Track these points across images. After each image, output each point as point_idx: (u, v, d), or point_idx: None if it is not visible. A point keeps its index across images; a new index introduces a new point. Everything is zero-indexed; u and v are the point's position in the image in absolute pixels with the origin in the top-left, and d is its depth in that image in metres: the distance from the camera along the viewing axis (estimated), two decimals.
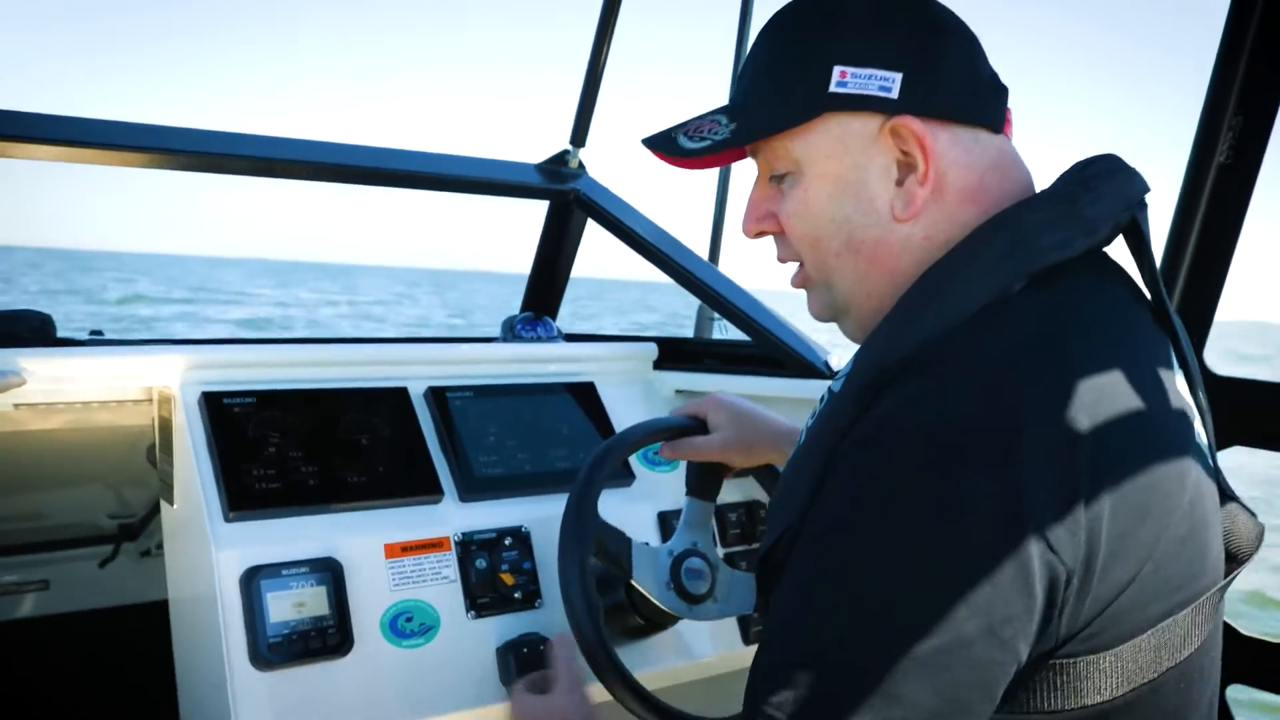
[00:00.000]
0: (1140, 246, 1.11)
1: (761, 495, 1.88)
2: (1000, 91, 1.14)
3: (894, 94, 1.08)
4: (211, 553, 1.47)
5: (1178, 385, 1.08)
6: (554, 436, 1.85)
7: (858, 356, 1.10)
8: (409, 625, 1.55)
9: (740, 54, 2.62)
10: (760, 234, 1.21)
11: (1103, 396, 0.97)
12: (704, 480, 1.66)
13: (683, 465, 1.91)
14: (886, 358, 1.01)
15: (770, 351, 2.03)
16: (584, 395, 1.95)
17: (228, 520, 1.51)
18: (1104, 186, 1.08)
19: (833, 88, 1.09)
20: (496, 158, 2.30)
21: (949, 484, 0.92)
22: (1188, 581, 1.02)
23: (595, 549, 1.50)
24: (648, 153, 1.24)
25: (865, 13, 1.10)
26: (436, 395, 1.78)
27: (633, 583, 1.55)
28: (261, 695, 1.43)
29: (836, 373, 1.89)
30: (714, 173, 2.70)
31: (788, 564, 1.02)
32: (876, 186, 1.10)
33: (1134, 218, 1.09)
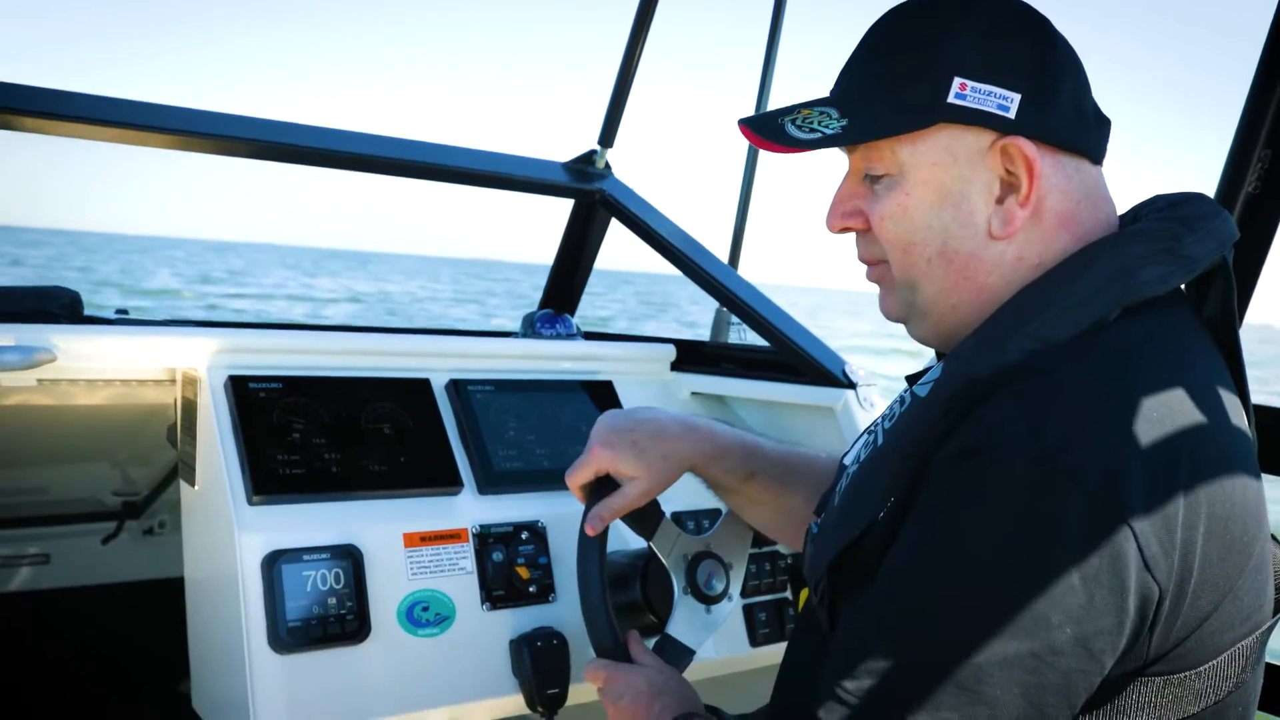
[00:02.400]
0: (1223, 285, 1.13)
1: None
2: (1104, 124, 1.15)
3: (1011, 114, 1.09)
4: (234, 535, 1.49)
5: (1244, 419, 1.11)
6: (572, 433, 1.87)
7: (946, 366, 1.11)
8: (425, 615, 1.56)
9: (771, 58, 2.63)
10: (844, 230, 1.21)
11: (1194, 427, 1.00)
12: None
13: None
14: (977, 371, 1.04)
15: (788, 357, 2.04)
16: (602, 394, 1.97)
17: (250, 503, 1.52)
18: (1204, 228, 1.10)
19: (951, 98, 1.10)
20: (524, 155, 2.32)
21: (1049, 501, 0.94)
22: (1254, 611, 1.05)
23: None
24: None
25: (989, 24, 1.11)
26: (458, 387, 1.79)
27: (651, 545, 1.55)
28: (279, 678, 1.44)
29: (855, 381, 1.93)
30: (737, 175, 2.71)
31: (881, 564, 1.04)
32: (977, 201, 1.12)
33: (1223, 257, 1.11)
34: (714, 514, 1.77)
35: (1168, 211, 1.14)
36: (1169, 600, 0.95)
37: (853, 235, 1.22)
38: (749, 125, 1.22)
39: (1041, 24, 1.13)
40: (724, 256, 2.50)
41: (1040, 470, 0.95)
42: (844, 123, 1.15)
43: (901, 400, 1.20)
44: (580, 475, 1.51)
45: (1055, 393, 0.99)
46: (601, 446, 1.48)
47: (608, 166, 2.43)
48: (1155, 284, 1.06)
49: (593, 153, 2.41)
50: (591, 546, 1.48)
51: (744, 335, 2.39)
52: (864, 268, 1.24)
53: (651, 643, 1.52)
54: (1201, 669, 1.00)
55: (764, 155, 2.71)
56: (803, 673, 1.28)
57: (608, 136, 2.43)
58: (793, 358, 2.03)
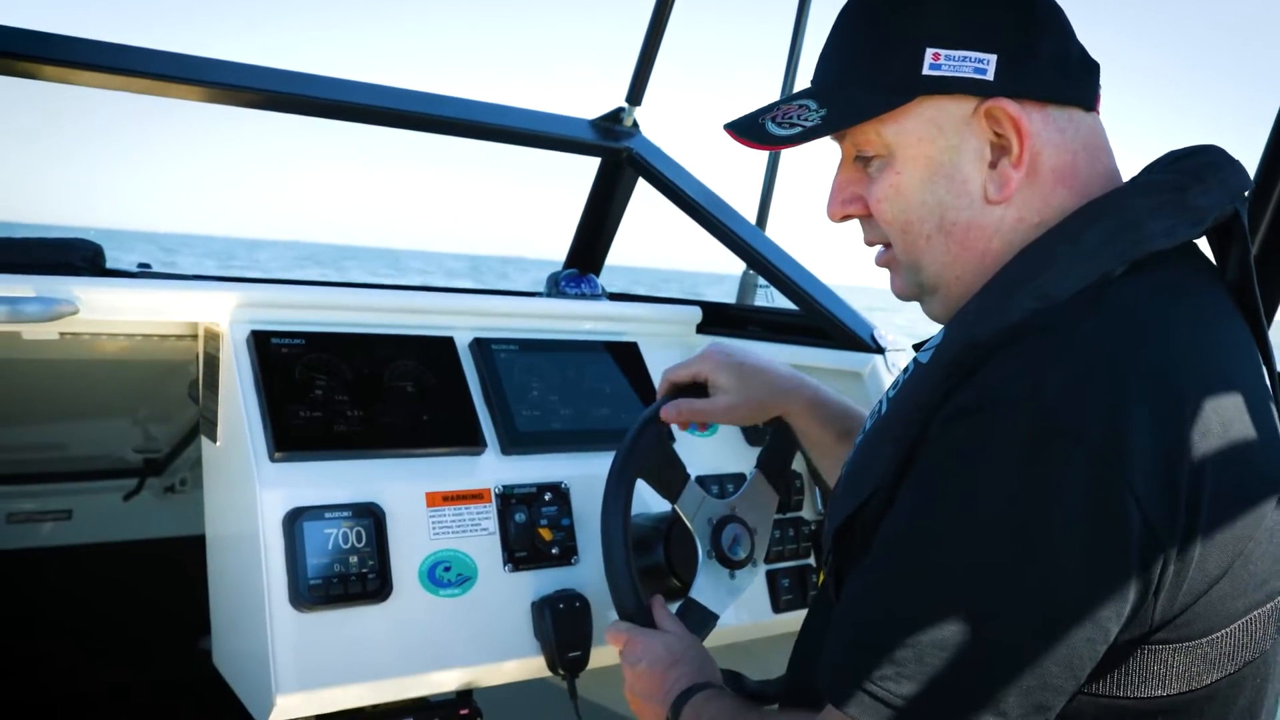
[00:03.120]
0: (1238, 239, 1.09)
1: (798, 464, 1.87)
2: (1092, 69, 1.12)
3: (989, 76, 1.07)
4: (255, 491, 1.47)
5: (1265, 380, 1.08)
6: (596, 395, 1.85)
7: (948, 330, 1.09)
8: (447, 575, 1.55)
9: (801, 19, 2.59)
10: (845, 217, 1.19)
11: (1203, 385, 0.97)
12: (774, 459, 1.64)
13: (723, 431, 1.91)
14: (979, 332, 1.01)
15: (816, 321, 2.02)
16: (627, 355, 1.94)
17: (273, 460, 1.51)
18: (1213, 177, 1.07)
19: (926, 70, 1.08)
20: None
21: (1049, 461, 0.92)
22: (1272, 577, 1.02)
23: (650, 461, 1.51)
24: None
25: None
26: (481, 346, 1.77)
27: (676, 508, 1.55)
28: (299, 635, 1.44)
29: (884, 346, 1.90)
30: None
31: (878, 530, 1.03)
32: (969, 169, 1.09)
33: (1235, 210, 1.07)
34: (739, 479, 1.75)
35: (1176, 164, 1.11)
36: (1174, 563, 0.93)
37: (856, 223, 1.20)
38: (733, 128, 1.20)
39: None
40: (752, 218, 2.47)
41: (1040, 428, 0.92)
42: (823, 112, 1.13)
43: (906, 370, 1.19)
44: (680, 372, 1.59)
45: (1056, 349, 0.97)
46: (710, 355, 1.57)
47: (636, 124, 2.39)
48: (1161, 237, 1.03)
49: (620, 110, 2.37)
50: (616, 508, 1.47)
51: (771, 298, 2.36)
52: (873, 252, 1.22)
53: (674, 606, 1.51)
54: (1212, 637, 0.98)
55: None
56: (816, 643, 1.27)
57: (636, 94, 2.39)
58: (820, 321, 2.00)
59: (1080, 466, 0.91)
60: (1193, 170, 1.08)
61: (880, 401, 1.22)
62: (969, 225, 1.11)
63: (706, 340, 2.10)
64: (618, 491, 1.48)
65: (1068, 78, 1.10)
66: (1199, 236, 1.07)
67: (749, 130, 1.19)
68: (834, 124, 1.13)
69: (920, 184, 1.11)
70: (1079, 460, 0.91)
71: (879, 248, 1.21)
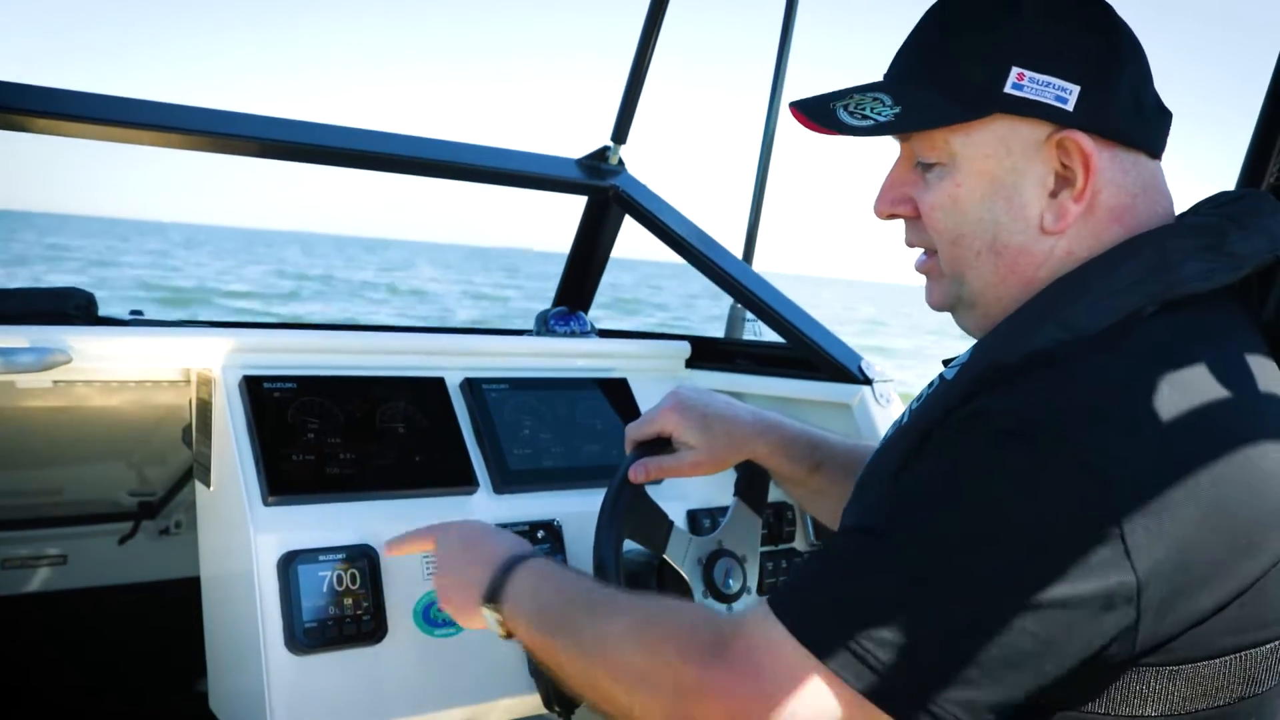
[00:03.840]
0: (1278, 285, 1.10)
1: (790, 498, 1.89)
2: (1165, 117, 1.13)
3: (1069, 106, 1.07)
4: (250, 535, 1.48)
5: None
6: (587, 431, 1.86)
7: (975, 350, 1.11)
8: (441, 615, 1.55)
9: (784, 52, 2.61)
10: (892, 216, 1.19)
11: (1217, 427, 0.97)
12: (752, 484, 1.66)
13: None
14: (1004, 356, 1.02)
15: (804, 354, 2.03)
16: (617, 391, 1.96)
17: (266, 504, 1.52)
18: (1255, 224, 1.08)
19: (1008, 89, 1.07)
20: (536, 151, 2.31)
21: (1039, 469, 0.93)
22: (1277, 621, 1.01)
23: (634, 523, 1.50)
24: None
25: (1048, 10, 1.08)
26: (472, 386, 1.79)
27: (665, 558, 1.55)
28: (296, 678, 1.44)
29: (871, 378, 1.92)
30: (751, 172, 2.70)
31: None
32: (1030, 194, 1.09)
33: (1276, 257, 1.08)
34: (721, 510, 1.75)
35: (1222, 208, 1.11)
36: (1151, 592, 0.92)
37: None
38: (801, 109, 1.19)
39: (1103, 10, 1.10)
40: (738, 252, 2.49)
41: (1038, 442, 0.93)
42: (897, 110, 1.12)
43: (932, 384, 1.19)
44: (644, 430, 1.54)
45: (1067, 379, 0.98)
46: (671, 410, 1.52)
47: (621, 163, 2.42)
48: (1197, 280, 1.03)
49: (606, 149, 2.40)
50: (612, 526, 1.48)
51: (759, 332, 2.38)
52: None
53: None
54: (1198, 664, 0.97)
55: (779, 146, 2.70)
56: None
57: (621, 132, 2.41)
58: (808, 354, 2.02)
59: (1068, 481, 0.92)
60: (1235, 215, 1.09)
61: (905, 411, 1.23)
62: (1020, 250, 1.11)
63: (696, 375, 2.12)
64: (617, 503, 1.49)
65: (1141, 121, 1.10)
66: (1236, 280, 1.07)
67: (818, 114, 1.17)
68: (907, 124, 1.12)
69: (979, 200, 1.11)
70: (1069, 475, 0.92)
71: (920, 255, 1.21)
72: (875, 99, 1.14)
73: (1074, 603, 0.91)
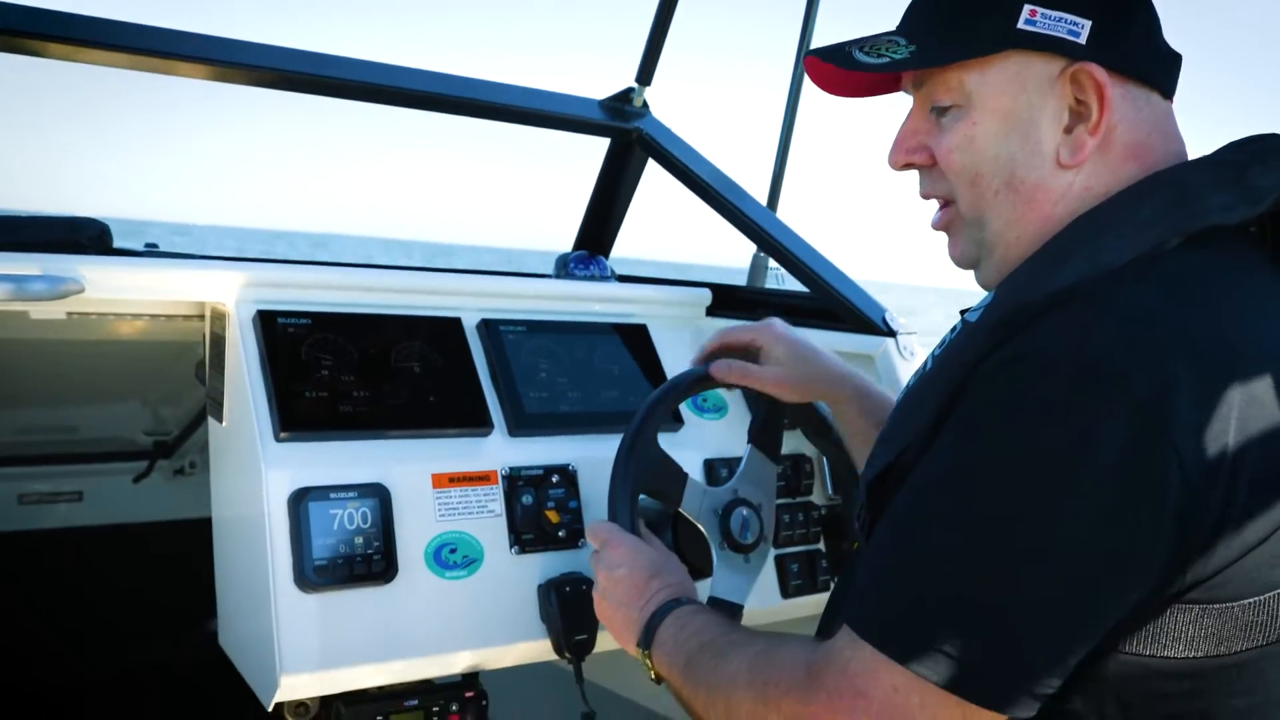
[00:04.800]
0: None
1: (808, 449, 1.86)
2: (1175, 60, 1.14)
3: (1082, 39, 1.08)
4: (261, 471, 1.46)
5: None
6: (605, 377, 1.83)
7: (998, 291, 1.10)
8: (453, 557, 1.54)
9: (811, 11, 2.56)
10: (908, 166, 1.20)
11: (1255, 355, 0.97)
12: (766, 430, 1.64)
13: (732, 413, 1.90)
14: (1030, 295, 1.01)
15: (827, 304, 2.00)
16: (636, 337, 1.93)
17: (278, 440, 1.50)
18: (1275, 160, 1.07)
19: (1021, 24, 1.09)
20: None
21: (1091, 409, 0.92)
22: None
23: (648, 478, 1.50)
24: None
25: None
26: (489, 327, 1.76)
27: (681, 511, 1.54)
28: (304, 616, 1.43)
29: (895, 329, 1.89)
30: (777, 117, 2.65)
31: (909, 477, 1.03)
32: (1046, 130, 1.10)
33: None
34: (739, 461, 1.72)
35: (1236, 146, 1.12)
36: (1210, 525, 0.92)
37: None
38: (817, 54, 1.21)
39: None
40: (763, 201, 2.45)
41: (1085, 376, 0.93)
42: (912, 49, 1.14)
43: (954, 329, 1.19)
44: (737, 335, 1.63)
45: (1107, 308, 0.97)
46: (768, 327, 1.61)
47: (645, 105, 2.37)
48: (1218, 212, 1.03)
49: (630, 90, 2.35)
50: (632, 463, 1.49)
51: (781, 281, 2.35)
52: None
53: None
54: (1244, 602, 0.96)
55: (806, 101, 2.66)
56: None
57: (646, 74, 2.37)
58: (832, 304, 1.99)
59: (1123, 417, 0.91)
60: (1254, 152, 1.09)
61: (926, 360, 1.23)
62: (1037, 185, 1.11)
63: (717, 323, 2.09)
64: (631, 457, 1.49)
65: (1154, 59, 1.11)
66: (1257, 215, 1.07)
67: (834, 55, 1.19)
68: (924, 60, 1.14)
69: (995, 137, 1.12)
70: (1122, 410, 0.91)
71: (936, 211, 1.21)
72: (891, 41, 1.16)
73: (1141, 542, 0.91)
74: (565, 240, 2.62)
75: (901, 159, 1.20)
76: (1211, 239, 1.03)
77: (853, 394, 1.57)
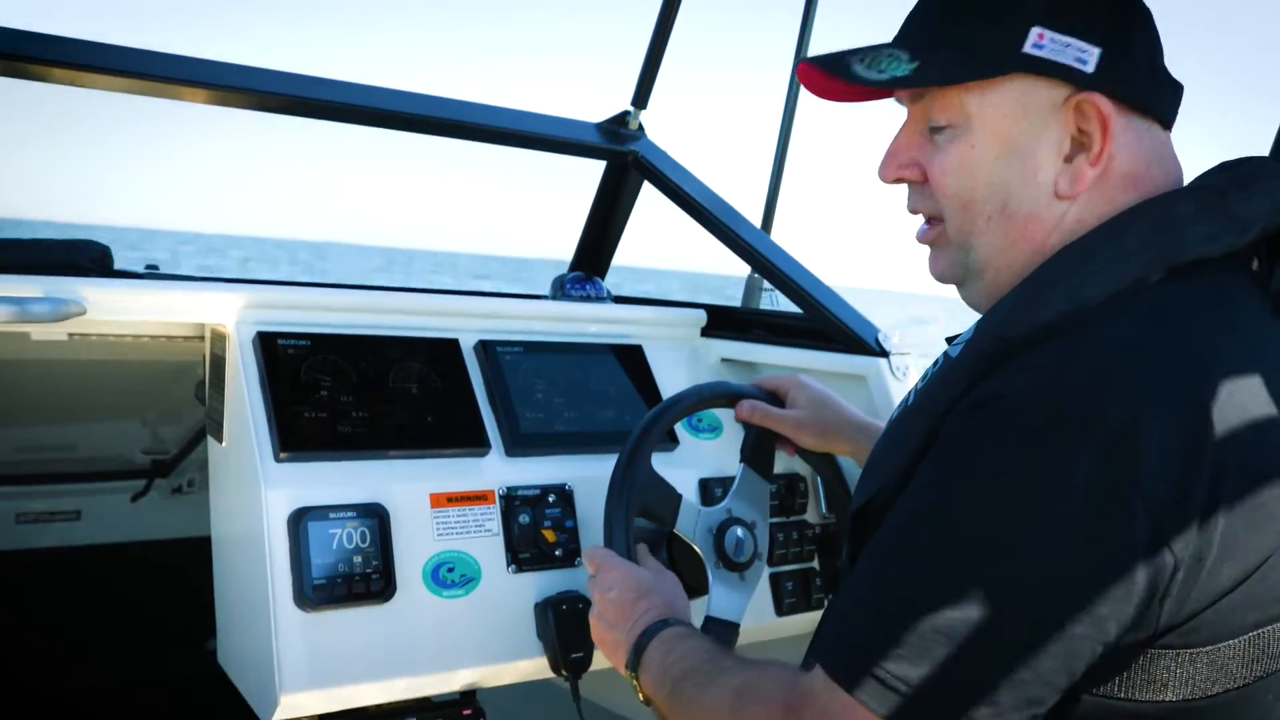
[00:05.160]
0: None
1: (802, 468, 1.88)
2: (1178, 89, 1.11)
3: (1089, 68, 1.05)
4: (261, 491, 1.48)
5: None
6: (601, 397, 1.85)
7: (979, 325, 1.09)
8: (450, 575, 1.55)
9: (810, 14, 2.59)
10: (899, 180, 1.17)
11: (1232, 395, 0.95)
12: (759, 449, 1.66)
13: (726, 433, 1.92)
14: (1010, 330, 1.01)
15: (821, 325, 2.02)
16: (631, 358, 1.95)
17: (278, 460, 1.52)
18: (1256, 186, 1.06)
19: (1027, 48, 1.06)
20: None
21: (1058, 450, 0.91)
22: None
23: (642, 499, 1.53)
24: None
25: None
26: (486, 348, 1.78)
27: (675, 531, 1.56)
28: (304, 635, 1.44)
29: (888, 349, 1.90)
30: (771, 143, 2.68)
31: (886, 516, 1.03)
32: (1044, 158, 1.08)
33: None
34: (729, 481, 1.74)
35: (1220, 171, 1.10)
36: (1183, 571, 0.91)
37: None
38: (816, 63, 1.17)
39: None
40: (757, 222, 2.47)
41: (1052, 416, 0.92)
42: (914, 65, 1.10)
43: (936, 362, 1.18)
44: (770, 380, 1.72)
45: (1081, 346, 0.96)
46: (796, 379, 1.70)
47: (641, 128, 2.40)
48: (1202, 243, 1.02)
49: (626, 114, 2.38)
50: (627, 485, 1.51)
51: (776, 301, 2.37)
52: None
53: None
54: (1218, 646, 0.96)
55: (802, 112, 2.68)
56: None
57: (641, 97, 2.39)
58: (825, 325, 2.00)
59: (1091, 459, 0.90)
60: (1236, 178, 1.07)
61: (910, 393, 1.21)
62: (1030, 216, 1.09)
63: (712, 343, 2.11)
64: (626, 479, 1.52)
65: (1157, 88, 1.09)
66: (1241, 246, 1.05)
67: (832, 66, 1.16)
68: (925, 78, 1.10)
69: (992, 162, 1.09)
70: (1091, 452, 0.90)
71: (921, 225, 1.18)
72: (892, 55, 1.12)
73: (1111, 583, 0.90)
74: (565, 250, 2.64)
75: (892, 174, 1.17)
76: (1197, 269, 1.02)
77: (869, 444, 1.52)
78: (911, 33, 1.15)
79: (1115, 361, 0.94)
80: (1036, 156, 1.08)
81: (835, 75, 1.15)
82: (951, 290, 1.20)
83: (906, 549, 0.98)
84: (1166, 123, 1.11)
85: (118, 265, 1.84)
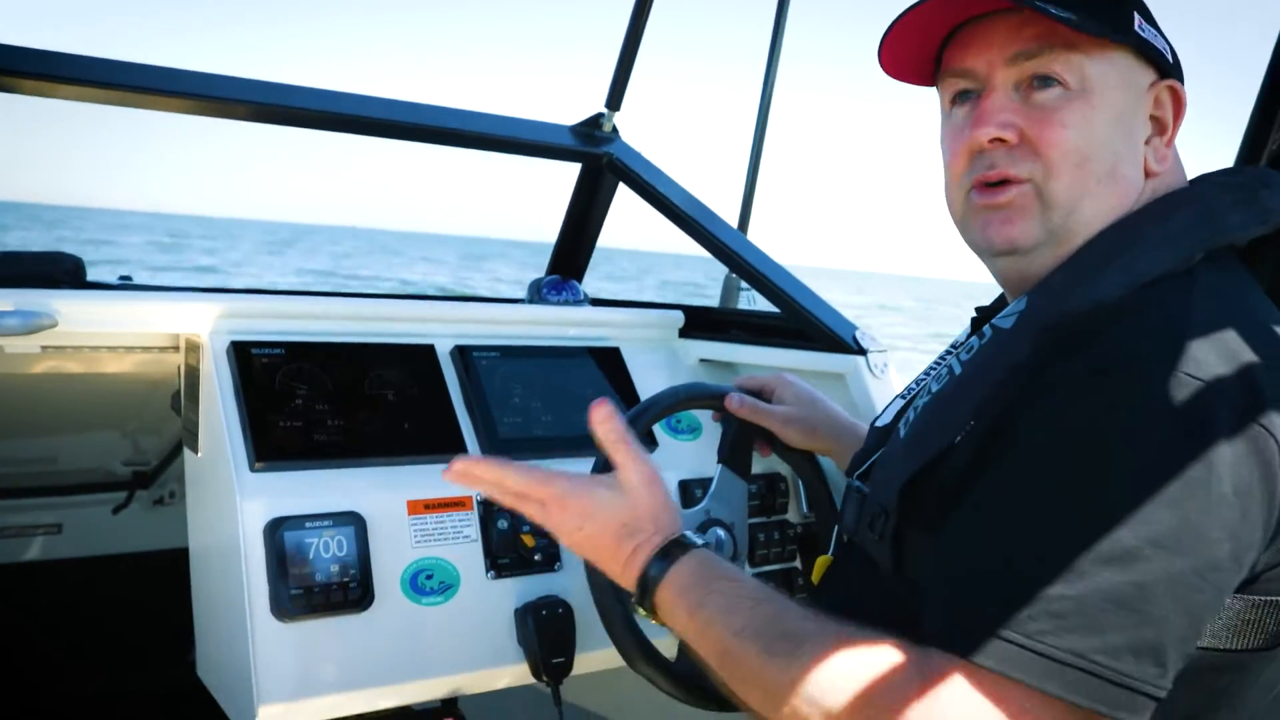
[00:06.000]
0: None
1: (782, 467, 1.88)
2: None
3: (1170, 59, 1.17)
4: (236, 502, 1.47)
5: None
6: (578, 400, 1.85)
7: (1032, 298, 1.12)
8: (429, 583, 1.55)
9: (782, 14, 2.59)
10: (997, 140, 1.15)
11: None
12: (736, 450, 1.66)
13: (705, 435, 1.92)
14: (1072, 305, 1.05)
15: (798, 324, 2.02)
16: (609, 360, 1.95)
17: (253, 470, 1.51)
18: (1278, 183, 1.16)
19: (1136, 28, 1.14)
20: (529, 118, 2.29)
21: (1199, 412, 0.94)
22: None
23: None
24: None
25: None
26: (463, 354, 1.78)
27: None
28: (282, 645, 1.44)
29: (866, 347, 1.90)
30: (746, 142, 2.68)
31: (964, 497, 1.02)
32: (1139, 133, 1.16)
33: None
34: (709, 482, 1.73)
35: (1235, 175, 1.19)
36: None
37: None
38: None
39: None
40: (733, 222, 2.47)
41: (1186, 384, 0.94)
42: (1069, 14, 1.10)
43: (981, 334, 1.17)
44: (754, 379, 1.73)
45: (1171, 319, 1.00)
46: (783, 376, 1.72)
47: (615, 130, 2.40)
48: (1238, 230, 1.10)
49: (600, 116, 2.38)
50: None
51: (753, 301, 2.37)
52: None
53: None
54: None
55: (772, 126, 2.69)
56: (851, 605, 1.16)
57: (615, 99, 2.39)
58: (803, 324, 2.00)
59: (1226, 417, 0.94)
60: (1258, 176, 1.17)
61: (942, 364, 1.24)
62: (1131, 182, 1.15)
63: (690, 344, 2.11)
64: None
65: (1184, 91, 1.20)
66: (1266, 234, 1.13)
67: None
68: (1086, 25, 1.11)
69: (1108, 125, 1.14)
70: (1224, 411, 0.94)
71: (1005, 188, 1.16)
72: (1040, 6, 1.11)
73: (1252, 531, 0.95)
74: (544, 230, 2.62)
75: (994, 132, 1.15)
76: (1222, 256, 1.10)
77: (855, 443, 1.53)
78: None
79: (1208, 329, 0.99)
80: (1135, 130, 1.15)
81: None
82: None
83: (1051, 521, 0.94)
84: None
85: (101, 276, 1.83)
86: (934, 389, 1.21)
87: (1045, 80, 1.13)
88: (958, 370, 1.16)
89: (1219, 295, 1.04)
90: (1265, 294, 1.13)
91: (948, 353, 1.29)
